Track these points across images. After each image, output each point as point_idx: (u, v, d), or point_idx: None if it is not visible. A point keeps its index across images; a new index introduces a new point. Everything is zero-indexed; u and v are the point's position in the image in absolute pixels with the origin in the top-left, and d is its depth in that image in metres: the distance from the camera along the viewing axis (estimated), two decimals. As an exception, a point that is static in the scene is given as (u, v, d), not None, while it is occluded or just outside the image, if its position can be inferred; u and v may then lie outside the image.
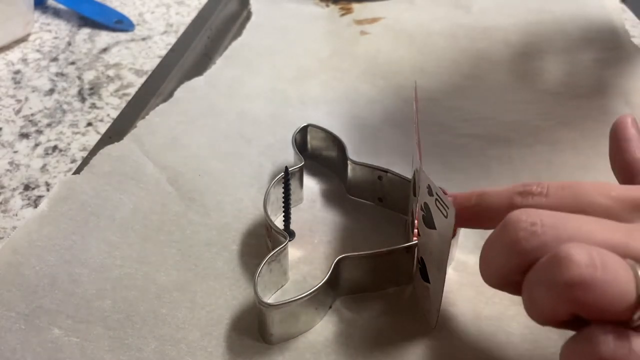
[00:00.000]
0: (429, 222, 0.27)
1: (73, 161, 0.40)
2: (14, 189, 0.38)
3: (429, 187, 0.26)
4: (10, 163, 0.40)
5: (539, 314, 0.22)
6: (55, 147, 0.41)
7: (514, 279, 0.22)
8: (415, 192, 0.30)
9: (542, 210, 0.23)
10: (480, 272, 0.25)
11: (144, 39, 0.53)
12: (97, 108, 0.45)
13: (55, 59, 0.50)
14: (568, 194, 0.24)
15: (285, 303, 0.27)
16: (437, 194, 0.25)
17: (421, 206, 0.28)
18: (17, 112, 0.44)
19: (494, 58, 0.49)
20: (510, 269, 0.23)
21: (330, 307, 0.30)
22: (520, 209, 0.23)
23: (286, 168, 0.32)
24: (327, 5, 0.56)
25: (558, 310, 0.21)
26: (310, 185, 0.37)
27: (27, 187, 0.38)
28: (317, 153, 0.38)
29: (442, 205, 0.25)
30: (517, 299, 0.31)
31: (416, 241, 0.30)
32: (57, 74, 0.48)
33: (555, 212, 0.23)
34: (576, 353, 0.21)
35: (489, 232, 0.25)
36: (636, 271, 0.20)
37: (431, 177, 0.27)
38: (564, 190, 0.24)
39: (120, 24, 0.54)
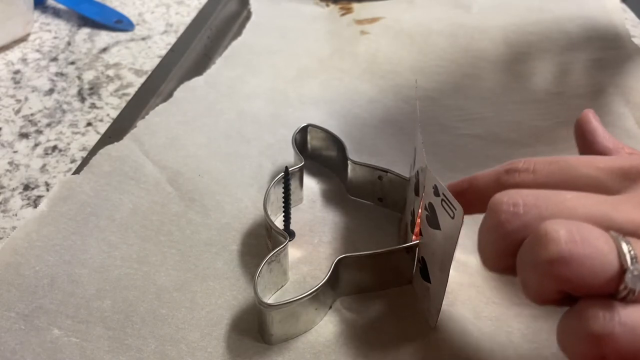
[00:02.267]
0: (433, 222, 0.27)
1: (73, 161, 0.40)
2: (13, 189, 0.38)
3: (435, 187, 0.26)
4: (10, 163, 0.40)
5: (532, 294, 0.22)
6: (55, 147, 0.41)
7: (508, 262, 0.23)
8: (417, 191, 0.30)
9: (524, 190, 0.23)
10: (480, 260, 0.25)
11: (143, 39, 0.53)
12: (97, 108, 0.45)
13: (55, 59, 0.50)
14: (555, 168, 0.24)
15: (285, 303, 0.27)
16: (443, 194, 0.25)
17: (425, 206, 0.28)
18: (17, 112, 0.44)
19: (494, 58, 0.49)
20: (501, 252, 0.23)
21: (330, 307, 0.30)
22: (502, 191, 0.23)
23: (286, 168, 0.32)
24: (327, 5, 0.56)
25: (546, 289, 0.21)
26: (310, 185, 0.37)
27: (26, 187, 0.38)
28: (317, 153, 0.38)
29: (448, 205, 0.25)
30: (517, 299, 0.31)
31: (416, 241, 0.30)
32: (56, 74, 0.48)
33: (537, 190, 0.23)
34: (568, 330, 0.21)
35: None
36: (618, 242, 0.20)
37: (431, 177, 0.27)
38: (550, 165, 0.24)
39: (120, 23, 0.54)
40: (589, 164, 0.24)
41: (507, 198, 0.22)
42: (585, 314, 0.20)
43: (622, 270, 0.20)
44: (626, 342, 0.19)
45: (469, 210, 0.27)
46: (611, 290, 0.20)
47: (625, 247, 0.20)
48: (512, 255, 0.22)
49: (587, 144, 0.28)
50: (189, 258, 0.33)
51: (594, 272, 0.20)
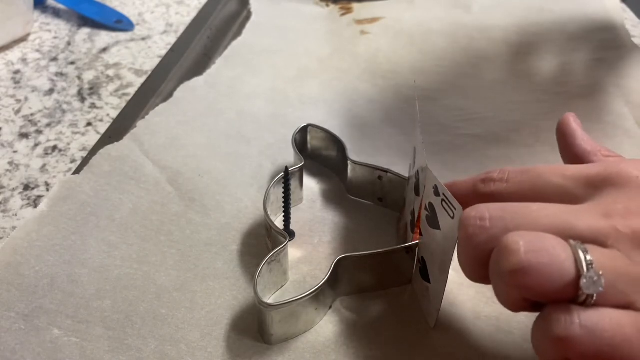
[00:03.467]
0: (433, 222, 0.27)
1: (73, 161, 0.40)
2: (13, 189, 0.38)
3: (435, 187, 0.26)
4: (10, 163, 0.40)
5: (503, 302, 0.23)
6: (55, 147, 0.41)
7: (483, 272, 0.23)
8: (417, 191, 0.30)
9: (491, 204, 0.24)
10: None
11: (143, 39, 0.53)
12: (97, 108, 0.45)
13: (55, 59, 0.50)
14: (526, 177, 0.26)
15: (285, 303, 0.27)
16: (444, 195, 0.25)
17: (425, 206, 0.28)
18: (17, 112, 0.44)
19: (494, 58, 0.49)
20: (473, 263, 0.24)
21: (330, 307, 0.30)
22: (472, 206, 0.24)
23: (286, 168, 0.32)
24: (327, 5, 0.56)
25: (513, 297, 0.22)
26: (310, 185, 0.37)
27: (26, 187, 0.38)
28: (317, 153, 0.38)
29: (448, 206, 0.25)
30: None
31: (416, 241, 0.30)
32: (56, 74, 0.48)
33: (504, 204, 0.24)
34: (536, 334, 0.22)
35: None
36: (575, 250, 0.21)
37: (431, 177, 0.27)
38: (522, 175, 0.26)
39: (120, 23, 0.54)
40: (558, 173, 0.25)
41: (475, 212, 0.23)
42: (549, 319, 0.21)
43: (579, 276, 0.20)
44: (587, 344, 0.20)
45: None
46: (571, 296, 0.21)
47: (581, 255, 0.21)
48: (484, 266, 0.23)
49: (566, 147, 0.29)
50: (189, 258, 0.33)
51: (552, 279, 0.20)
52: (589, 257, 0.21)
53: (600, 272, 0.20)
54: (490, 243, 0.23)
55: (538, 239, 0.21)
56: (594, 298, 0.20)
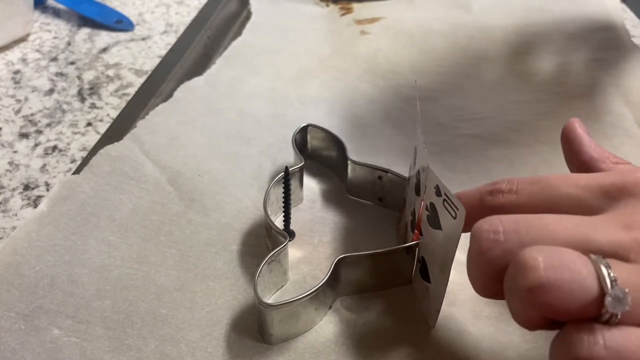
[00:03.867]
0: (434, 222, 0.27)
1: (73, 161, 0.40)
2: (13, 189, 0.38)
3: (436, 187, 0.26)
4: (10, 163, 0.40)
5: (519, 321, 0.22)
6: (55, 147, 0.41)
7: (495, 287, 0.22)
8: (417, 191, 0.30)
9: (504, 216, 0.23)
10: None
11: (143, 39, 0.53)
12: (97, 108, 0.45)
13: (55, 59, 0.50)
14: (537, 188, 0.24)
15: (285, 303, 0.27)
16: (445, 195, 0.25)
17: (426, 206, 0.28)
18: (17, 112, 0.44)
19: (494, 58, 0.49)
20: (486, 278, 0.23)
21: (330, 307, 0.30)
22: (484, 218, 0.23)
23: (286, 168, 0.32)
24: (327, 5, 0.56)
25: (530, 316, 0.21)
26: (310, 185, 0.37)
27: (26, 187, 0.38)
28: (317, 153, 0.38)
29: (450, 206, 0.25)
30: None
31: (416, 241, 0.30)
32: (56, 74, 0.48)
33: (518, 216, 0.23)
34: (557, 355, 0.21)
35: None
36: (597, 266, 0.20)
37: (431, 177, 0.27)
38: (532, 186, 0.24)
39: (120, 23, 0.54)
40: (571, 182, 0.24)
41: (488, 226, 0.22)
42: (571, 339, 0.20)
43: (602, 293, 0.19)
44: None
45: None
46: (594, 314, 0.20)
47: (604, 271, 0.20)
48: (498, 281, 0.22)
49: (573, 154, 0.28)
50: (189, 258, 0.33)
51: (574, 297, 0.19)
52: (612, 273, 0.19)
53: (626, 290, 0.19)
54: (504, 258, 0.22)
55: (557, 254, 0.20)
56: (619, 316, 0.19)
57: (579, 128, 0.29)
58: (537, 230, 0.22)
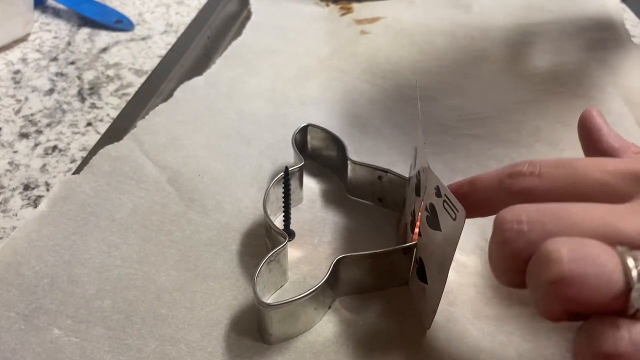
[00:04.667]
0: (433, 223, 0.27)
1: (73, 161, 0.40)
2: (13, 189, 0.38)
3: (437, 188, 0.26)
4: (10, 163, 0.40)
5: (542, 313, 0.21)
6: (55, 147, 0.41)
7: (519, 278, 0.22)
8: (417, 191, 0.30)
9: (528, 205, 0.22)
10: (494, 276, 0.24)
11: (143, 39, 0.53)
12: (97, 108, 0.45)
13: (55, 59, 0.50)
14: (562, 173, 0.23)
15: (284, 303, 0.27)
16: (445, 196, 0.25)
17: (426, 207, 0.28)
18: (17, 112, 0.44)
19: (494, 58, 0.49)
20: (509, 269, 0.22)
21: (330, 307, 0.30)
22: (507, 207, 0.22)
23: (286, 168, 0.32)
24: (327, 5, 0.56)
25: (553, 308, 0.20)
26: (310, 185, 0.37)
27: (26, 187, 0.38)
28: (317, 153, 0.38)
29: (450, 207, 0.25)
30: (517, 299, 0.31)
31: (416, 241, 0.30)
32: (56, 74, 0.48)
33: (541, 205, 0.22)
34: (581, 348, 0.20)
35: (489, 232, 0.24)
36: (624, 258, 0.19)
37: (431, 177, 0.27)
38: (557, 169, 0.23)
39: (120, 23, 0.54)
40: (598, 167, 0.23)
41: (511, 215, 0.22)
42: (595, 333, 0.19)
43: (629, 288, 0.19)
44: None
45: (472, 214, 0.26)
46: (620, 308, 0.19)
47: (631, 263, 0.19)
48: (521, 271, 0.21)
49: (591, 143, 0.27)
50: (189, 258, 0.33)
51: (599, 291, 0.19)
52: (639, 266, 0.19)
53: None
54: (528, 249, 0.21)
55: (581, 246, 0.19)
56: None
57: (597, 116, 0.28)
58: (562, 220, 0.21)
